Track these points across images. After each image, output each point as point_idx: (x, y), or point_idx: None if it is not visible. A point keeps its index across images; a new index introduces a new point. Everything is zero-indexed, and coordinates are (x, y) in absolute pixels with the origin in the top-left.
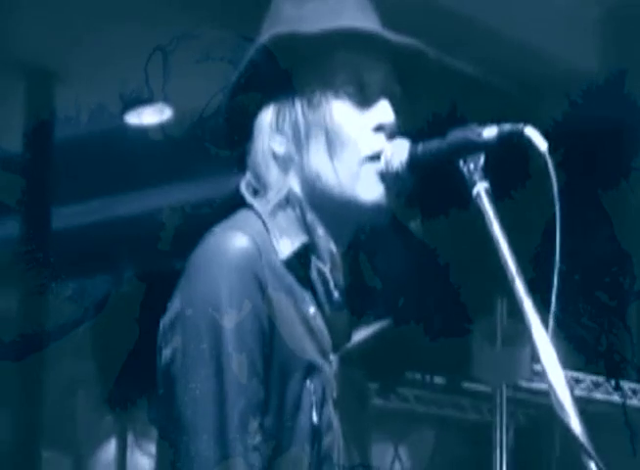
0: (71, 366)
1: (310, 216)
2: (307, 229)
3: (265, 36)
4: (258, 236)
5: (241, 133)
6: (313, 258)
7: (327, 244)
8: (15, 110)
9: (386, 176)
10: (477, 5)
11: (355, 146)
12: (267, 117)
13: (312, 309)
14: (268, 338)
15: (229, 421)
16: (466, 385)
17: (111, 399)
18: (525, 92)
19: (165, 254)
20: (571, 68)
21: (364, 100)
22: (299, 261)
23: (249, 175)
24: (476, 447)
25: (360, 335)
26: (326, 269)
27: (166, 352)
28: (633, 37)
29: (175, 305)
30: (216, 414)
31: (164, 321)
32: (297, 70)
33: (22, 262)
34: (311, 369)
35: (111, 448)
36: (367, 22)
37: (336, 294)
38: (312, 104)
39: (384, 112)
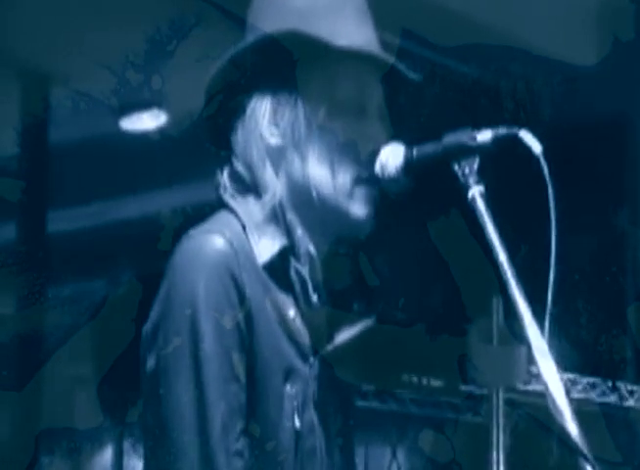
0: (70, 369)
1: (290, 215)
2: (287, 229)
3: (280, 28)
4: (236, 238)
5: (230, 115)
6: (292, 260)
7: (306, 244)
8: (11, 112)
9: (376, 197)
10: (473, 3)
11: (353, 166)
12: (262, 107)
13: (292, 312)
14: (247, 342)
15: (211, 426)
16: (462, 387)
17: (108, 403)
18: (524, 87)
19: (165, 254)
20: (567, 62)
21: (365, 122)
22: (279, 264)
23: (238, 167)
24: (472, 449)
25: (343, 336)
26: (304, 271)
27: (150, 359)
28: (629, 31)
29: (155, 312)
30: (198, 420)
31: (146, 328)
32: (308, 74)
33: (20, 265)
34: (291, 373)
35: (107, 453)
36: (366, 26)
37: (314, 296)
38: (318, 116)
39: (380, 136)
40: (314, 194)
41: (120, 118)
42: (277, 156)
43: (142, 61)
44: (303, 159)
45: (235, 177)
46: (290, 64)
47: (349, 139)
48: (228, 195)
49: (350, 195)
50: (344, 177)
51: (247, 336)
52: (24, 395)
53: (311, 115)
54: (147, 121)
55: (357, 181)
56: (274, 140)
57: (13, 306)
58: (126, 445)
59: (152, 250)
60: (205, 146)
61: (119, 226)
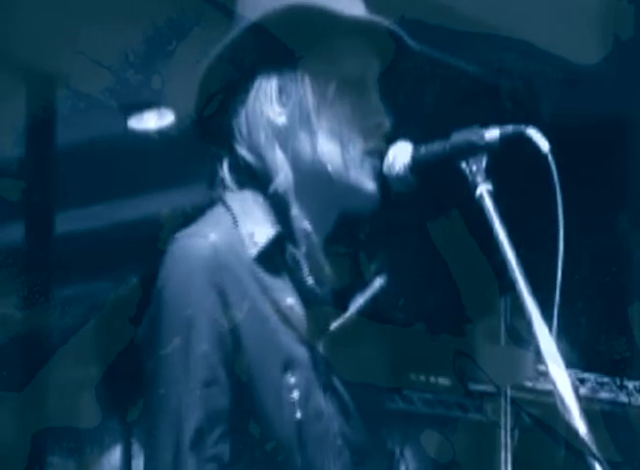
0: (71, 370)
1: (289, 196)
2: (283, 211)
3: (277, 6)
4: (223, 238)
5: (230, 104)
6: (288, 246)
7: (300, 223)
8: (12, 112)
9: (382, 175)
10: (473, 2)
11: (360, 140)
12: (267, 88)
13: (289, 299)
14: (231, 344)
15: (183, 434)
16: (470, 386)
17: (108, 403)
18: (524, 86)
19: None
20: (568, 61)
21: (367, 96)
22: (273, 252)
23: (244, 154)
24: (480, 448)
25: (356, 304)
26: (299, 254)
27: (147, 362)
28: (629, 30)
29: (146, 316)
30: (172, 426)
31: (139, 331)
32: (312, 49)
33: (20, 265)
34: (291, 363)
35: (116, 453)
36: (362, 5)
37: (309, 279)
38: (324, 90)
39: (380, 109)
40: (329, 168)
41: (121, 119)
42: (285, 136)
43: (142, 61)
44: (312, 135)
45: (237, 167)
46: (293, 40)
47: (355, 112)
48: (226, 188)
49: (362, 167)
50: (354, 150)
51: (232, 339)
52: (25, 395)
53: (318, 89)
54: (148, 121)
55: (365, 154)
56: (281, 120)
57: (13, 307)
58: (135, 446)
59: (154, 250)
60: (206, 145)
61: (121, 227)
